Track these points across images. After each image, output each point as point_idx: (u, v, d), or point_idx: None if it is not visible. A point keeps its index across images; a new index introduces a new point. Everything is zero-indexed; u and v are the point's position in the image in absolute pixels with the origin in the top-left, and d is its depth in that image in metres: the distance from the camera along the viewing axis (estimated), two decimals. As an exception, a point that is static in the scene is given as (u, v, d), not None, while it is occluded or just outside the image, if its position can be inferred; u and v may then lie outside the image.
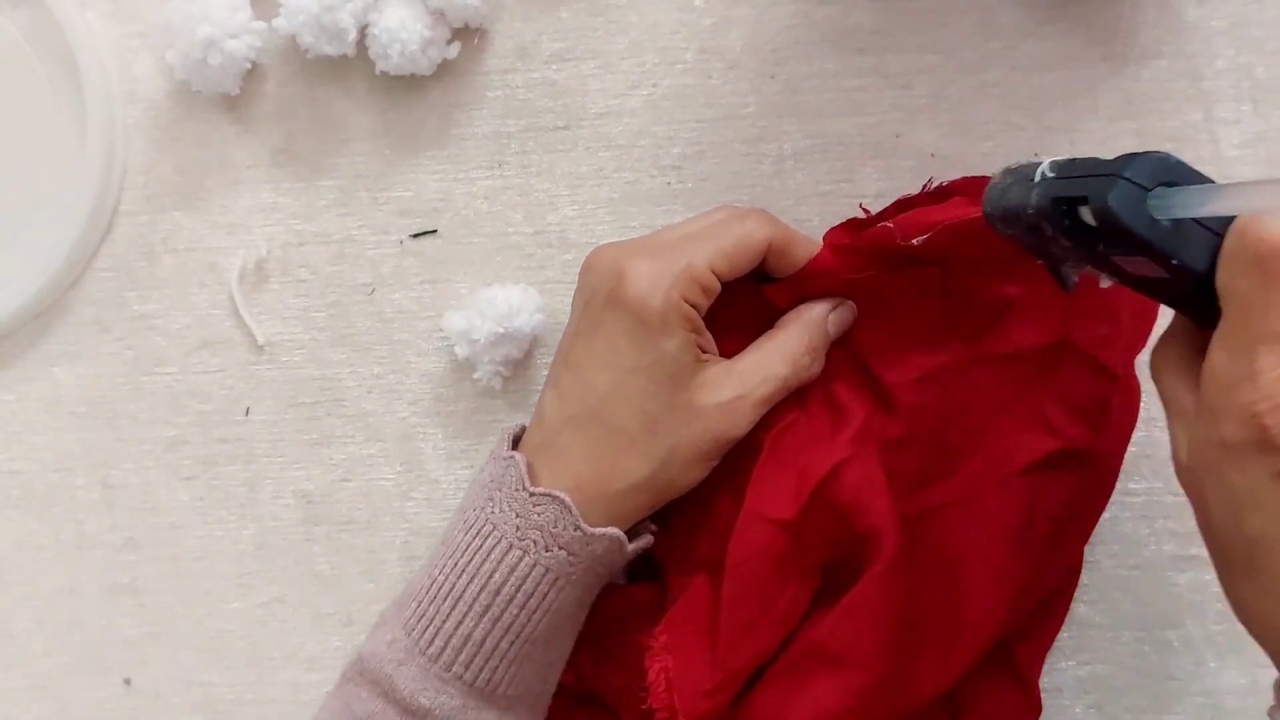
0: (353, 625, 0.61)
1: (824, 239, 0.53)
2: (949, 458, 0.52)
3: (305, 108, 0.60)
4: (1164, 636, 0.56)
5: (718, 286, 0.49)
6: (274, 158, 0.60)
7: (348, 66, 0.59)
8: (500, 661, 0.49)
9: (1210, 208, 0.36)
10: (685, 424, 0.49)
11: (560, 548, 0.48)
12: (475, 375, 0.58)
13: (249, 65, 0.58)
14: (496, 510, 0.49)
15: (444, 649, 0.49)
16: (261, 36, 0.57)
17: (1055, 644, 0.55)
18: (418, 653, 0.49)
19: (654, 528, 0.53)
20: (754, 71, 0.57)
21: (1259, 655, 0.55)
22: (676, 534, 0.54)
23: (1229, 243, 0.37)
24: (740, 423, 0.50)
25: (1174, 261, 0.37)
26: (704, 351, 0.50)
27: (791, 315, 0.52)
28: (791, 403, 0.52)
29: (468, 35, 0.58)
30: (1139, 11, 0.55)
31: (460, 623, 0.48)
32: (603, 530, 0.49)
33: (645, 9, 0.58)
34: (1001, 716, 0.54)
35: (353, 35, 0.56)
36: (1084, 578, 0.56)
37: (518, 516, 0.48)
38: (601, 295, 0.49)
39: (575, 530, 0.48)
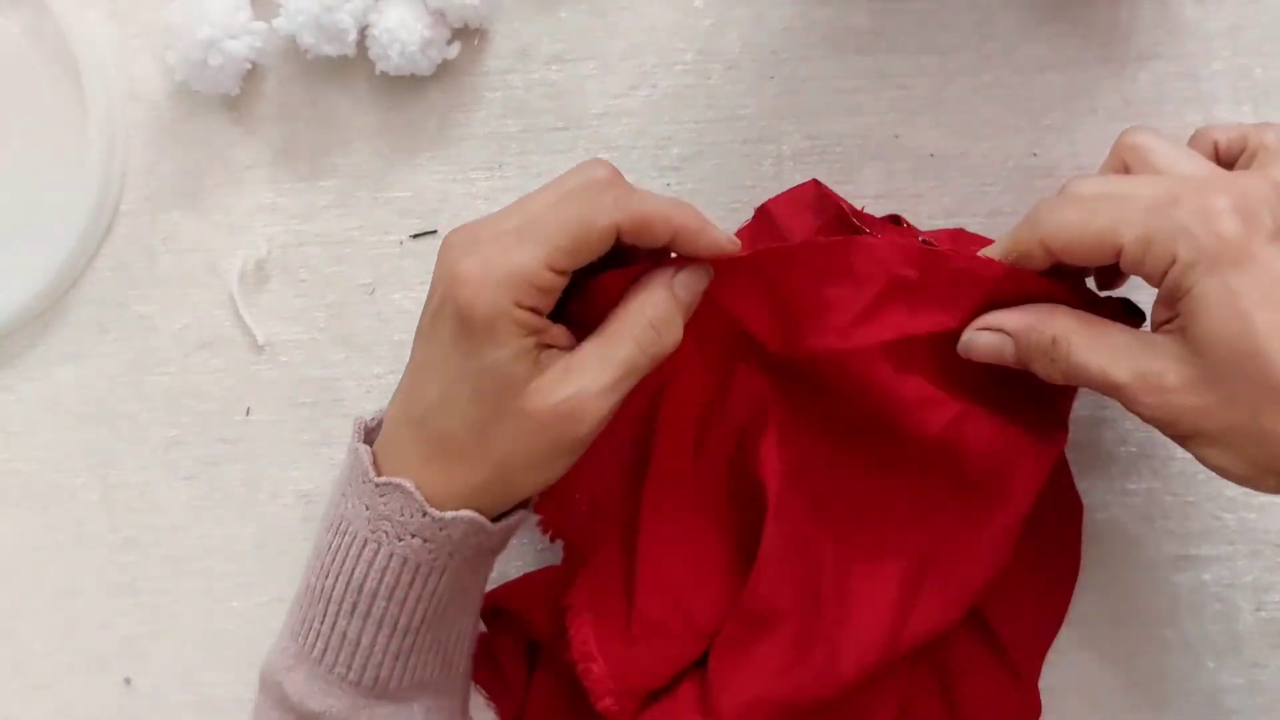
0: (352, 625, 0.61)
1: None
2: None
3: (305, 108, 0.60)
4: (1163, 636, 0.56)
5: (560, 282, 0.45)
6: (274, 158, 0.60)
7: (348, 67, 0.59)
8: (383, 657, 0.47)
9: None
10: (517, 431, 0.45)
11: (413, 535, 0.46)
12: None
13: (249, 66, 0.59)
14: (348, 505, 0.47)
15: (325, 650, 0.47)
16: (262, 37, 0.57)
17: (1054, 643, 0.55)
18: (304, 656, 0.48)
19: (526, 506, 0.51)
20: (753, 72, 0.57)
21: (1257, 655, 0.55)
22: (578, 507, 0.54)
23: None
24: (584, 420, 0.45)
25: None
26: (553, 347, 0.46)
27: (634, 286, 0.47)
28: (668, 369, 0.50)
29: (467, 36, 0.58)
30: (1137, 13, 0.55)
31: (334, 623, 0.47)
32: (454, 514, 0.46)
33: (645, 10, 0.58)
34: (1000, 715, 0.54)
35: (353, 36, 0.56)
36: (1084, 578, 0.56)
37: (367, 509, 0.46)
38: (437, 295, 0.46)
39: (424, 516, 0.46)
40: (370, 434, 0.50)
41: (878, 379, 0.48)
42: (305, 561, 0.57)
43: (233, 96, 0.59)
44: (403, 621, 0.47)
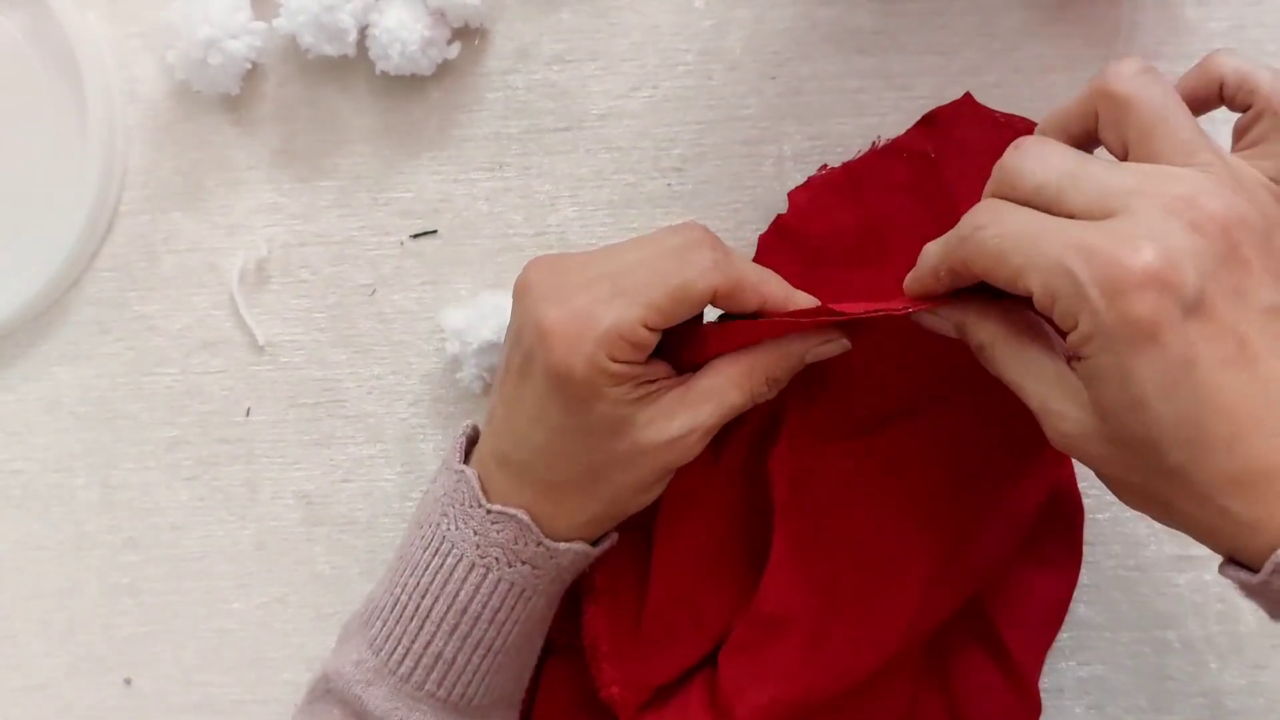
0: (353, 626, 0.61)
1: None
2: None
3: (305, 108, 0.60)
4: (1164, 637, 0.56)
5: (653, 339, 0.45)
6: (274, 158, 0.60)
7: (348, 67, 0.59)
8: (473, 676, 0.48)
9: None
10: (631, 464, 0.46)
11: (524, 562, 0.47)
12: (458, 375, 0.58)
13: (249, 66, 0.58)
14: (453, 527, 0.47)
15: (414, 668, 0.48)
16: (262, 37, 0.57)
17: (1055, 644, 0.55)
18: (387, 673, 0.48)
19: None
20: (754, 73, 0.57)
21: (1259, 655, 0.55)
22: None
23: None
24: (691, 451, 0.47)
25: None
26: (651, 383, 0.46)
27: (771, 342, 0.48)
28: None
29: (468, 36, 0.58)
30: (1139, 13, 0.55)
31: (429, 642, 0.47)
32: (567, 545, 0.47)
33: (646, 10, 0.58)
34: (1001, 716, 0.54)
35: (353, 35, 0.56)
36: (1084, 578, 0.56)
37: (476, 534, 0.47)
38: (524, 348, 0.45)
39: (538, 546, 0.47)
40: (471, 445, 0.50)
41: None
42: (308, 562, 0.57)
43: (233, 96, 0.59)
44: (498, 643, 0.48)
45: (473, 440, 0.50)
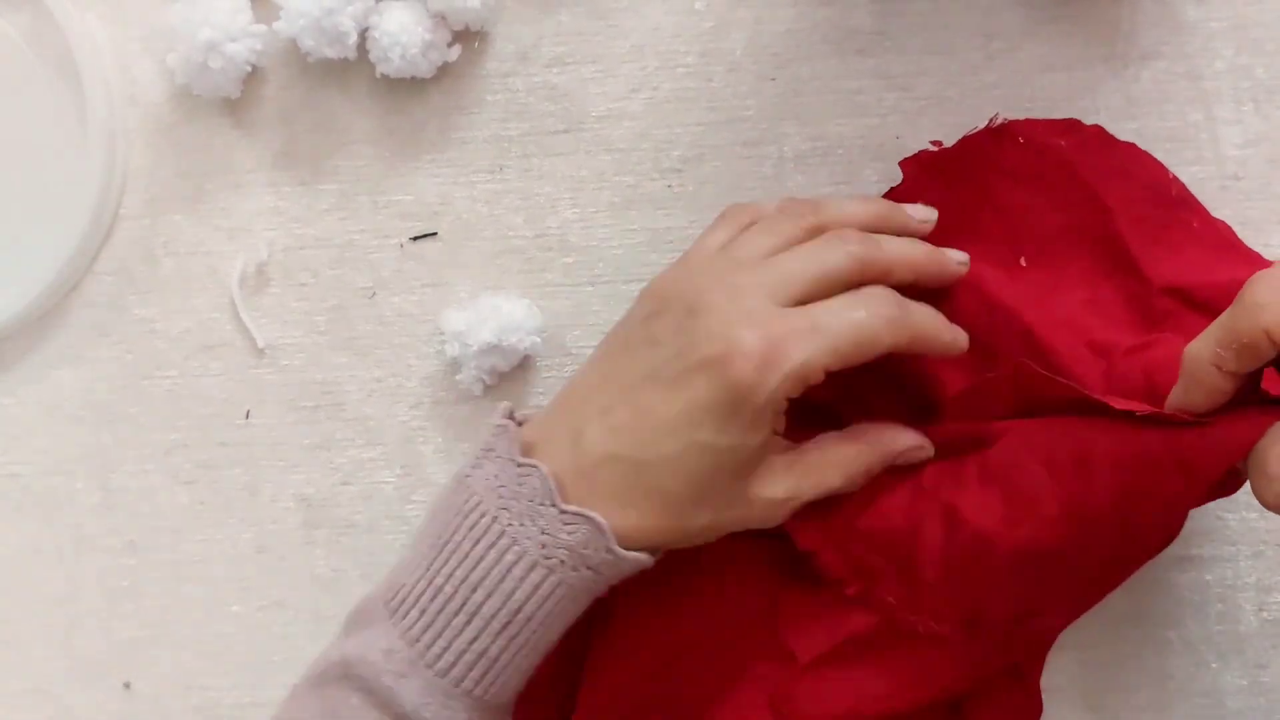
0: (354, 629, 0.60)
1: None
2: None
3: (306, 111, 0.60)
4: (1164, 636, 0.56)
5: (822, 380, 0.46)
6: (275, 161, 0.60)
7: (348, 70, 0.59)
8: (513, 675, 0.47)
9: None
10: (730, 507, 0.47)
11: (589, 568, 0.46)
12: (458, 377, 0.58)
13: (250, 69, 0.58)
14: (516, 523, 0.46)
15: (454, 664, 0.46)
16: (262, 40, 0.57)
17: (1056, 644, 0.55)
18: (423, 666, 0.46)
19: None
20: (754, 74, 0.57)
21: (1260, 656, 0.55)
22: None
23: None
24: (779, 518, 0.48)
25: None
26: (779, 438, 0.48)
27: (869, 429, 0.50)
28: None
29: (468, 38, 0.58)
30: (1139, 12, 0.55)
31: (475, 639, 0.46)
32: (635, 554, 0.46)
33: (646, 12, 0.58)
34: (1002, 716, 0.54)
35: (353, 38, 0.56)
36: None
37: (543, 534, 0.45)
38: (698, 356, 0.45)
39: (607, 553, 0.46)
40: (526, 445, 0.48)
41: None
42: (308, 565, 0.57)
43: (233, 100, 0.59)
44: (543, 643, 0.47)
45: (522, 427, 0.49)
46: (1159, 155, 0.54)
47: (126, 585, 0.61)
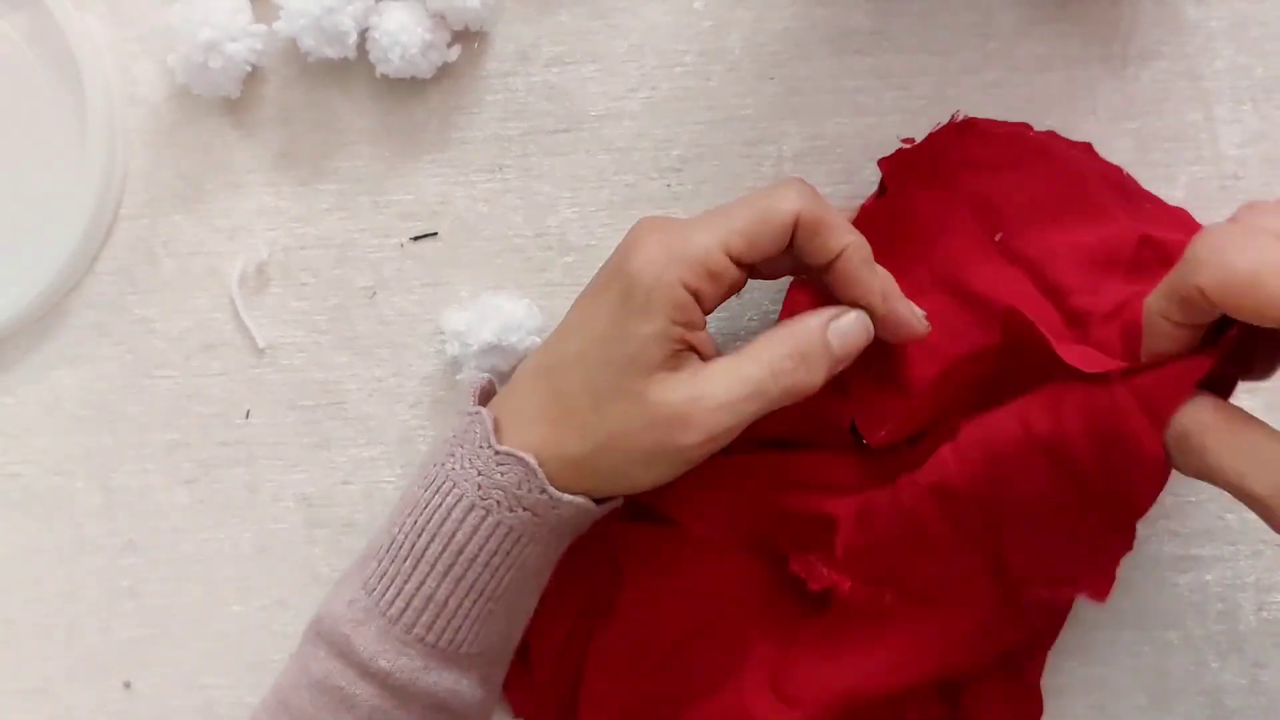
0: (354, 628, 0.61)
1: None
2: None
3: (306, 111, 0.60)
4: (1164, 636, 0.56)
5: (732, 272, 0.45)
6: (275, 161, 0.60)
7: (348, 70, 0.59)
8: (464, 621, 0.48)
9: None
10: (628, 415, 0.45)
11: (525, 508, 0.46)
12: (458, 377, 0.58)
13: (249, 69, 0.58)
14: (458, 466, 0.47)
15: (405, 610, 0.47)
16: (262, 40, 0.57)
17: (1056, 644, 0.55)
18: (378, 614, 0.47)
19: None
20: (753, 74, 0.57)
21: (1260, 655, 0.55)
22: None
23: None
24: (692, 428, 0.45)
25: None
26: (694, 350, 0.46)
27: (786, 320, 0.48)
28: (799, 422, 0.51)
29: (468, 38, 0.58)
30: (1138, 12, 0.55)
31: (422, 583, 0.47)
32: (570, 497, 0.46)
33: (645, 12, 0.58)
34: (1002, 716, 0.54)
35: (353, 38, 0.56)
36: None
37: (479, 475, 0.46)
38: (611, 262, 0.47)
39: (541, 493, 0.46)
40: (484, 397, 0.50)
41: None
42: (309, 564, 0.57)
43: (233, 100, 0.59)
44: (490, 588, 0.47)
45: (487, 393, 0.51)
46: (1158, 155, 0.54)
47: (127, 585, 0.62)
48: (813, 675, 0.51)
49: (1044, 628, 0.54)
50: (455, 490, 0.47)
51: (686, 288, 0.45)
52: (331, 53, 0.57)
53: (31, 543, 0.62)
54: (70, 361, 0.61)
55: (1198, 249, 0.38)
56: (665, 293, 0.44)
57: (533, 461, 0.46)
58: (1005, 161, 0.52)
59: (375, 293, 0.60)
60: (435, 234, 0.59)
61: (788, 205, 0.45)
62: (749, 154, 0.57)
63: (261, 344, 0.60)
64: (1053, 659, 0.56)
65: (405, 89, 0.59)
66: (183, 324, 0.61)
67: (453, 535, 0.46)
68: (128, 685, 0.62)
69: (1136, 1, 0.55)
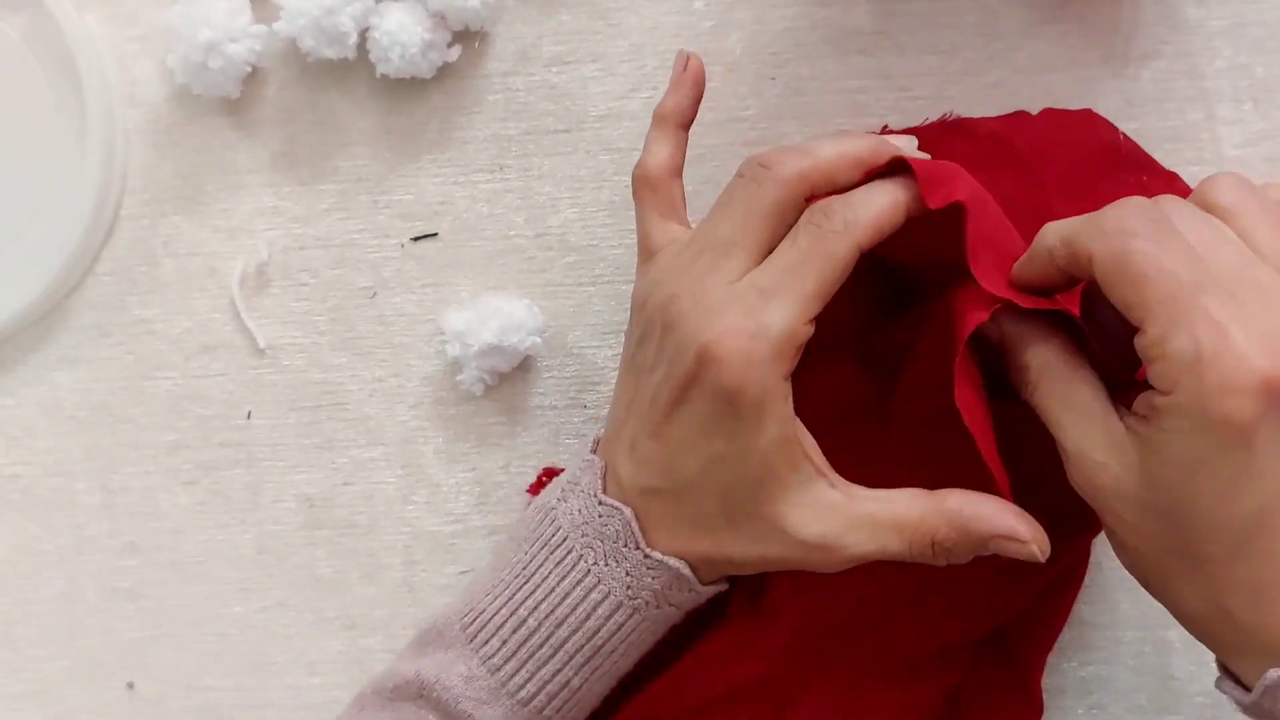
0: (355, 629, 0.61)
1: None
2: None
3: (306, 111, 0.60)
4: (1164, 636, 0.56)
5: (812, 331, 0.43)
6: (274, 161, 0.60)
7: (348, 70, 0.59)
8: (589, 699, 0.48)
9: None
10: (763, 539, 0.44)
11: (671, 605, 0.46)
12: (459, 378, 0.58)
13: (249, 69, 0.58)
14: (602, 564, 0.46)
15: (536, 694, 0.47)
16: (262, 40, 0.57)
17: (1056, 645, 0.55)
18: (505, 695, 0.47)
19: None
20: (754, 74, 0.57)
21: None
22: None
23: None
24: (821, 566, 0.44)
25: None
26: (805, 454, 0.43)
27: (950, 493, 0.43)
28: None
29: (468, 38, 0.58)
30: (1139, 12, 0.55)
31: (558, 671, 0.47)
32: (712, 586, 0.47)
33: (646, 12, 0.58)
34: (1002, 716, 0.54)
35: (353, 39, 0.56)
36: (1086, 578, 0.55)
37: (628, 575, 0.45)
38: (683, 373, 0.43)
39: (689, 592, 0.46)
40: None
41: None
42: (309, 565, 0.57)
43: (233, 100, 0.59)
44: (619, 670, 0.48)
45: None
46: (1159, 155, 0.54)
47: (128, 586, 0.62)
48: (787, 585, 0.51)
49: (1043, 628, 0.54)
50: (601, 587, 0.46)
51: (786, 380, 0.43)
52: (331, 53, 0.57)
53: (32, 544, 0.62)
54: (70, 362, 0.61)
55: (1112, 218, 0.38)
56: (774, 394, 0.42)
57: (685, 570, 0.45)
58: (981, 162, 0.52)
59: (375, 293, 0.60)
60: (435, 234, 0.59)
61: (848, 251, 0.42)
62: (750, 154, 0.57)
63: (262, 345, 0.60)
64: (1054, 660, 0.56)
65: (405, 89, 0.59)
66: (183, 325, 0.61)
67: (596, 631, 0.46)
68: (130, 686, 0.62)
69: (1137, 2, 0.55)
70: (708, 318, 0.42)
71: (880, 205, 0.43)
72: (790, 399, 0.43)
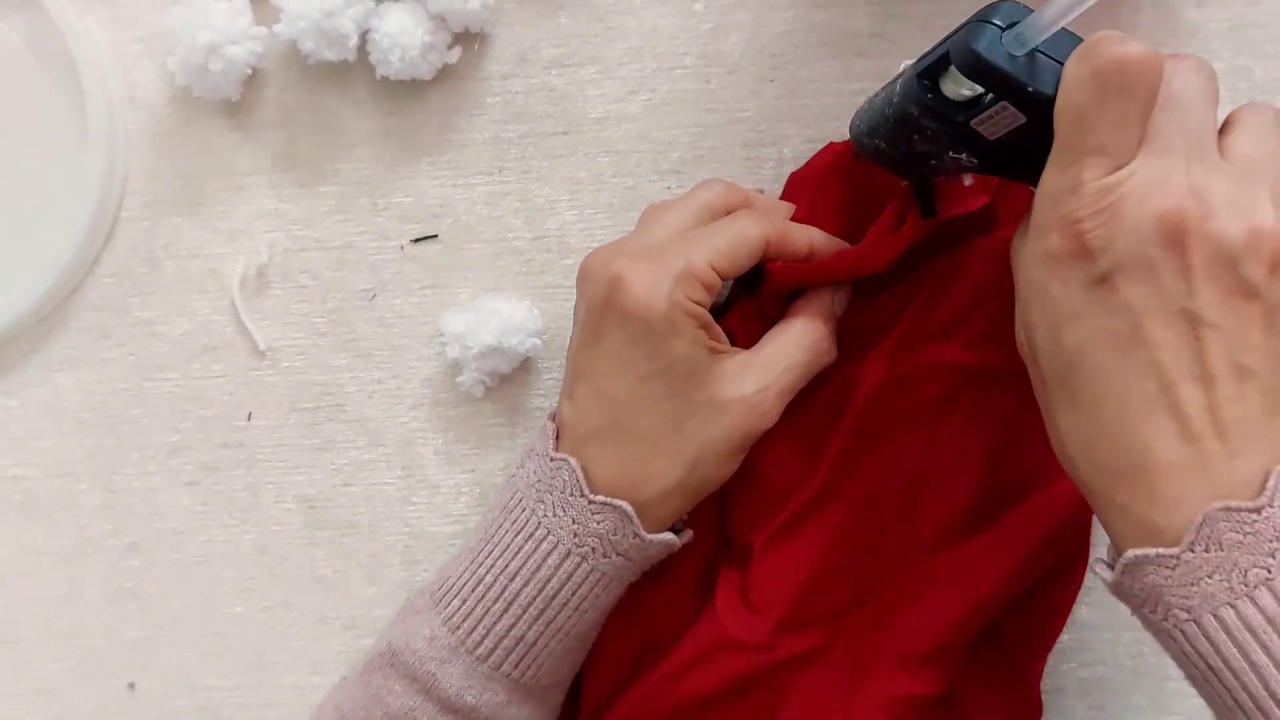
0: (355, 629, 0.61)
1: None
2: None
3: (306, 113, 0.60)
4: (1164, 638, 0.56)
5: (719, 283, 0.48)
6: (275, 163, 0.60)
7: (348, 72, 0.59)
8: (548, 658, 0.50)
9: (1054, 21, 0.39)
10: (711, 420, 0.48)
11: (618, 554, 0.48)
12: (459, 379, 0.58)
13: (250, 71, 0.58)
14: (550, 514, 0.48)
15: (494, 649, 0.49)
16: (262, 42, 0.57)
17: (1056, 646, 0.55)
18: (464, 651, 0.49)
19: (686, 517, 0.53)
20: (753, 76, 0.57)
21: (1259, 656, 0.55)
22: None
23: (1069, 65, 0.40)
24: (768, 414, 0.49)
25: (1030, 90, 0.40)
26: (718, 345, 0.49)
27: (803, 302, 0.51)
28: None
29: (468, 40, 0.58)
30: (1138, 14, 0.55)
31: (513, 625, 0.48)
32: (659, 537, 0.49)
33: (644, 14, 0.58)
34: (1002, 715, 0.54)
35: (353, 40, 0.56)
36: (1085, 578, 0.56)
37: (574, 523, 0.48)
38: (600, 303, 0.48)
39: (634, 538, 0.48)
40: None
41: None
42: (310, 566, 0.57)
43: (233, 102, 0.59)
44: (576, 628, 0.49)
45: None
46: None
47: (130, 586, 0.62)
48: (772, 575, 0.53)
49: (1041, 629, 0.54)
50: (550, 537, 0.48)
51: (692, 300, 0.47)
52: (332, 55, 0.57)
53: (34, 545, 0.62)
54: (72, 364, 0.62)
55: (1101, 43, 0.40)
56: (680, 309, 0.47)
57: (629, 509, 0.47)
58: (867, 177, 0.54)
59: (375, 295, 0.60)
60: (435, 236, 0.59)
61: (757, 231, 0.49)
62: (749, 156, 0.57)
63: (262, 346, 0.60)
64: (1053, 661, 0.56)
65: (405, 91, 0.59)
66: (184, 326, 0.61)
67: (547, 581, 0.48)
68: (131, 686, 0.62)
69: (1137, 3, 0.55)
70: (620, 258, 0.48)
71: (799, 226, 0.51)
72: (699, 321, 0.47)
